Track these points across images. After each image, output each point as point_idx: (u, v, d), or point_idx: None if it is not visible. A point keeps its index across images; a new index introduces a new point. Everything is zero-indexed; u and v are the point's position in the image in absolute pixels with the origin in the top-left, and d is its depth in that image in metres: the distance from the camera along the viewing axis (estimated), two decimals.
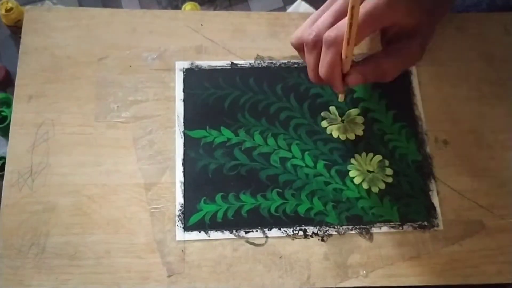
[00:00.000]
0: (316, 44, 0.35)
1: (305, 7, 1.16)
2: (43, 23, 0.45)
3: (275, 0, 1.35)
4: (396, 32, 0.38)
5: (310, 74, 0.37)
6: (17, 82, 0.44)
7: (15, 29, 1.20)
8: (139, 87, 0.44)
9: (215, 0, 1.33)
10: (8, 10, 1.15)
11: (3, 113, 1.04)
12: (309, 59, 0.36)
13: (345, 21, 0.33)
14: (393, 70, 0.37)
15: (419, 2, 0.35)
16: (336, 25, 0.34)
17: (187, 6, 1.23)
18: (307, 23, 0.37)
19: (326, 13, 0.35)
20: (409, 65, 0.39)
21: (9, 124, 0.99)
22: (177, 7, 1.32)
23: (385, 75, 0.37)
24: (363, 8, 0.33)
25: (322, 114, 0.44)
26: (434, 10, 0.37)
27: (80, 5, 1.30)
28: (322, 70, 0.35)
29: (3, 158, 1.03)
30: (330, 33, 0.34)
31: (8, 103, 1.05)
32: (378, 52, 0.38)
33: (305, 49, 0.36)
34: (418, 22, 0.36)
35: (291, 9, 1.19)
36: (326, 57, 0.35)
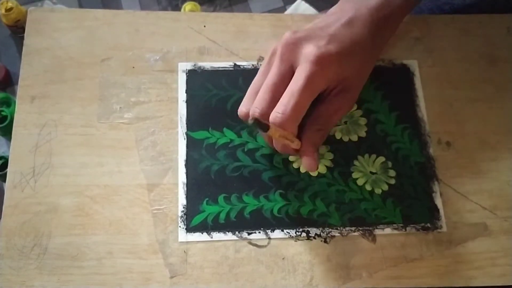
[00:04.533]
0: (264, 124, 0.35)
1: (305, 7, 1.16)
2: (46, 24, 0.45)
3: (275, 0, 1.35)
4: (327, 90, 0.38)
5: (267, 145, 0.39)
6: (20, 83, 0.44)
7: (15, 29, 1.20)
8: (141, 88, 0.44)
9: (215, 0, 1.33)
10: (8, 10, 1.16)
11: (3, 113, 1.04)
12: (262, 135, 0.37)
13: (287, 102, 0.33)
14: (335, 123, 0.40)
15: (347, 60, 0.35)
16: (281, 107, 0.34)
17: (187, 6, 1.23)
18: (250, 96, 0.37)
19: (263, 90, 0.35)
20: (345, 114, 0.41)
21: (9, 123, 1.01)
22: (177, 6, 1.32)
23: (327, 131, 0.40)
24: (295, 83, 0.34)
25: None
26: (363, 63, 0.37)
27: (80, 4, 1.30)
28: (277, 148, 0.38)
29: (3, 157, 1.03)
30: (276, 119, 0.34)
31: (8, 103, 1.05)
32: (317, 116, 0.38)
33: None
34: (350, 77, 0.37)
35: (291, 9, 1.19)
36: (277, 140, 0.36)
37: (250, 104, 0.36)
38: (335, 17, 0.37)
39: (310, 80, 0.33)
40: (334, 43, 0.34)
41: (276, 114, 0.33)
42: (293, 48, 0.34)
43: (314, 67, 0.33)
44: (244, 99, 0.37)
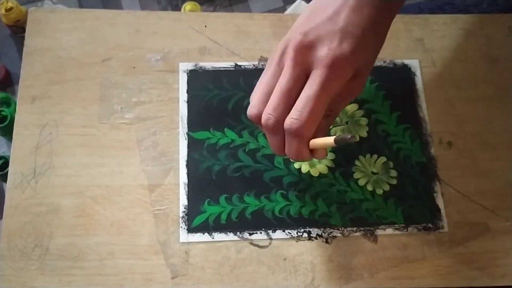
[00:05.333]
0: (277, 128, 0.34)
1: (305, 7, 1.16)
2: (47, 25, 0.45)
3: (275, 0, 1.35)
4: None
5: (275, 152, 0.36)
6: (20, 83, 0.43)
7: (15, 29, 1.20)
8: (142, 89, 0.44)
9: (215, 0, 1.33)
10: (8, 10, 1.15)
11: (3, 113, 1.03)
12: (272, 141, 0.35)
13: (303, 108, 0.32)
14: (343, 108, 0.39)
15: (360, 53, 0.34)
16: (296, 112, 0.32)
17: (187, 6, 1.23)
18: (261, 98, 0.35)
19: (277, 95, 0.33)
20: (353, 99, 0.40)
21: (8, 123, 1.00)
22: (177, 6, 1.32)
23: (335, 117, 0.39)
24: (310, 88, 0.32)
25: None
26: (375, 47, 0.36)
27: (80, 4, 1.30)
28: (290, 154, 0.35)
29: (3, 157, 1.03)
30: (292, 125, 0.32)
31: (8, 103, 1.05)
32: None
33: (264, 130, 0.35)
34: (362, 65, 0.35)
35: (291, 8, 1.19)
36: (292, 145, 0.34)
37: (261, 107, 0.34)
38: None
39: (326, 85, 0.32)
40: (347, 40, 0.33)
41: (291, 120, 0.32)
42: (306, 51, 0.33)
43: (330, 72, 0.32)
44: (254, 100, 0.35)
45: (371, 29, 0.34)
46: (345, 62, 0.33)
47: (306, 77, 0.33)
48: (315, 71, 0.33)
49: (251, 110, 0.35)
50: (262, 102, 0.34)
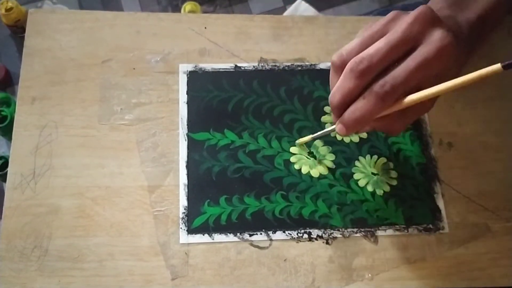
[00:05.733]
0: (362, 74, 0.32)
1: (305, 7, 1.16)
2: (47, 25, 0.45)
3: (275, 0, 1.35)
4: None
5: (336, 99, 0.34)
6: (20, 84, 0.43)
7: (15, 29, 1.20)
8: (142, 90, 0.44)
9: (215, 0, 1.33)
10: (8, 10, 1.15)
11: (3, 113, 1.03)
12: (345, 85, 0.33)
13: (399, 76, 0.31)
14: (407, 124, 0.37)
15: (460, 54, 0.35)
16: (392, 78, 0.32)
17: (187, 6, 1.23)
18: (358, 45, 0.33)
19: (385, 43, 0.32)
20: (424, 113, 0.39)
21: (8, 123, 1.00)
22: (177, 6, 1.32)
23: (400, 130, 0.37)
24: (413, 60, 0.32)
25: (326, 116, 0.44)
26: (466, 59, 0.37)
27: (80, 4, 1.30)
28: (355, 113, 0.33)
29: (3, 157, 1.03)
30: (384, 88, 0.31)
31: (7, 103, 1.05)
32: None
33: (345, 73, 0.33)
34: (452, 73, 0.35)
35: (290, 9, 1.19)
36: (366, 105, 0.32)
37: (353, 53, 0.33)
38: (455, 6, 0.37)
39: (427, 63, 0.32)
40: (459, 39, 0.34)
41: (385, 83, 0.32)
42: (426, 25, 0.32)
43: (436, 53, 0.32)
44: (349, 45, 0.33)
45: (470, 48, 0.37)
46: (452, 52, 0.32)
47: (410, 48, 0.32)
48: (425, 46, 0.32)
49: (342, 52, 0.34)
50: (356, 50, 0.33)
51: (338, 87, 0.33)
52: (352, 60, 0.32)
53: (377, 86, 0.32)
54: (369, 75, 0.32)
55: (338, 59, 0.34)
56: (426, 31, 0.33)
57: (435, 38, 0.32)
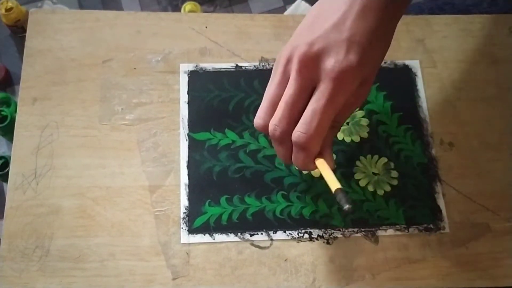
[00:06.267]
0: (283, 139, 0.34)
1: (305, 7, 1.16)
2: (47, 26, 0.45)
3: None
4: None
5: (282, 160, 0.37)
6: (21, 84, 0.43)
7: (15, 29, 1.20)
8: (143, 90, 0.44)
9: (215, 0, 1.32)
10: (8, 10, 1.15)
11: (3, 113, 1.03)
12: (279, 150, 0.35)
13: (310, 122, 0.32)
14: (347, 117, 0.38)
15: (367, 62, 0.33)
16: (303, 126, 0.32)
17: (187, 6, 1.23)
18: (266, 108, 0.34)
19: (283, 107, 0.33)
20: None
21: (9, 123, 1.00)
22: (177, 6, 1.31)
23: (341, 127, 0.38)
24: (317, 101, 0.32)
25: None
26: (381, 54, 0.36)
27: (80, 4, 1.30)
28: (297, 165, 0.35)
29: (3, 157, 1.03)
30: (300, 139, 0.32)
31: (8, 103, 1.05)
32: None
33: (272, 140, 0.35)
34: (368, 73, 0.35)
35: (291, 8, 1.19)
36: (299, 157, 0.34)
37: (267, 117, 0.34)
38: (347, 4, 0.33)
39: (332, 98, 0.32)
40: (353, 50, 0.32)
41: (299, 134, 0.32)
42: (311, 63, 0.32)
43: (337, 84, 0.32)
44: (259, 110, 0.35)
45: (377, 35, 0.33)
46: (352, 73, 0.32)
47: (312, 88, 0.33)
48: (322, 84, 0.32)
49: (258, 121, 0.35)
50: (268, 113, 0.34)
51: (278, 154, 0.36)
52: (269, 130, 0.34)
53: (294, 137, 0.33)
54: (289, 135, 0.33)
55: (259, 126, 0.35)
56: (316, 68, 0.32)
57: (328, 70, 0.32)
